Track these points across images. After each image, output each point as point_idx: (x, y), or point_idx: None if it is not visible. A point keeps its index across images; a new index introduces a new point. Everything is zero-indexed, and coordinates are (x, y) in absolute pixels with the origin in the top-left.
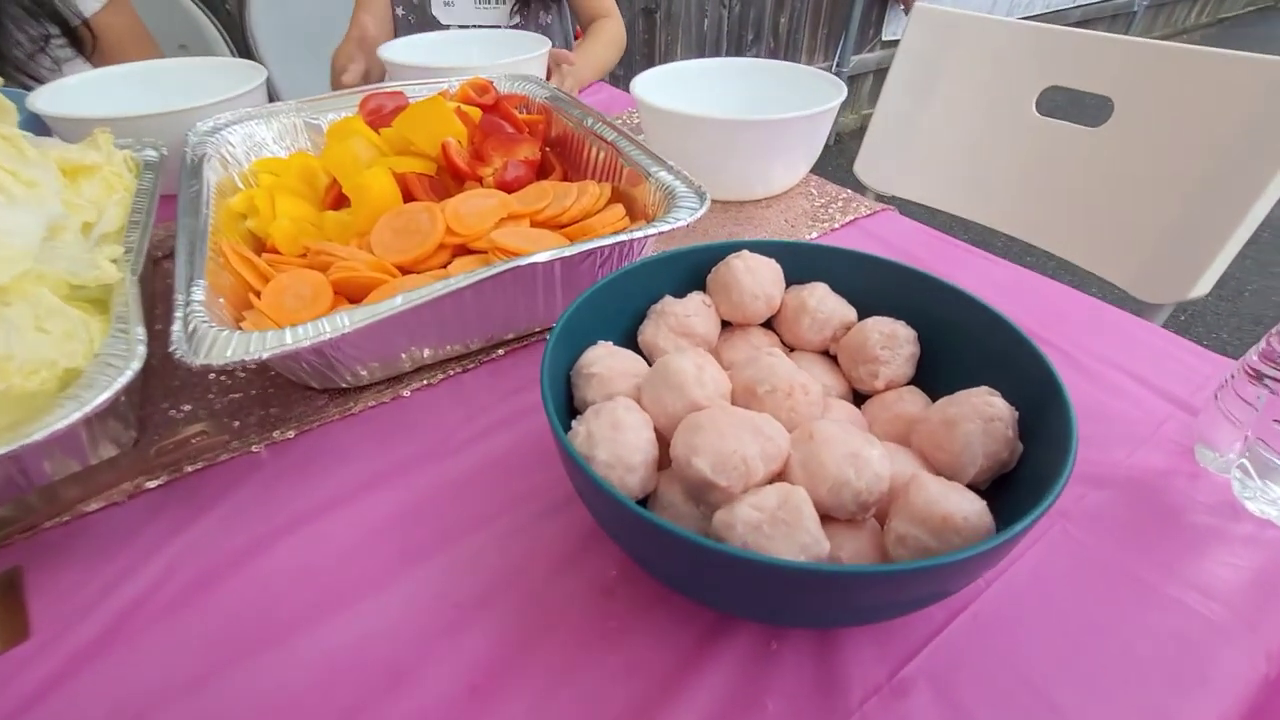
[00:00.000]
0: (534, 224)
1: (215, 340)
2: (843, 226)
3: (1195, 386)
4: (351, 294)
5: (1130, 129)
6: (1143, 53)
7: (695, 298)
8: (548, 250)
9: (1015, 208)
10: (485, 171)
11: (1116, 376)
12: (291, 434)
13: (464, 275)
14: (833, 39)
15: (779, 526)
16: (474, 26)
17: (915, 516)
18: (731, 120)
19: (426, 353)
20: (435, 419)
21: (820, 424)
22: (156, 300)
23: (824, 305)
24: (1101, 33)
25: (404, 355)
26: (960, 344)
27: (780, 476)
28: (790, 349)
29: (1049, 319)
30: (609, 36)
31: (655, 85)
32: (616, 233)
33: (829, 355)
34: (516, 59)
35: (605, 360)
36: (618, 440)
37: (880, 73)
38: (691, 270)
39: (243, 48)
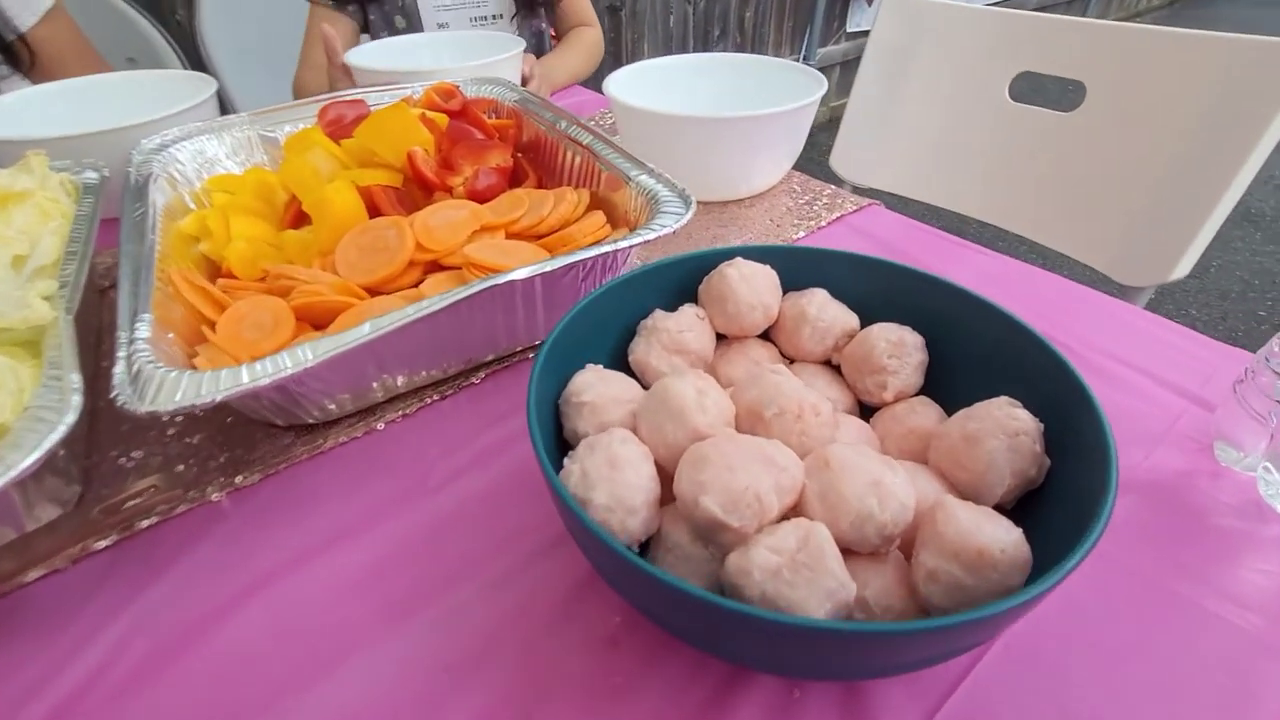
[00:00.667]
0: (509, 235)
1: (162, 383)
2: (830, 224)
3: (1204, 379)
4: (316, 320)
5: (1103, 112)
6: (1114, 36)
7: (688, 311)
8: (527, 265)
9: (992, 195)
10: (455, 181)
11: (1123, 371)
12: (256, 478)
13: (437, 297)
14: (798, 32)
15: (800, 571)
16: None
17: (946, 549)
18: (713, 118)
19: (400, 380)
20: (412, 454)
21: (836, 449)
22: (104, 335)
23: (825, 313)
24: (1072, 17)
25: (375, 385)
26: (971, 349)
27: (795, 509)
28: (790, 360)
29: (1048, 312)
30: (586, 43)
31: (628, 84)
32: (599, 243)
33: (831, 365)
34: (489, 60)
35: (596, 387)
36: (616, 480)
37: (846, 64)
38: (681, 281)
39: (195, 59)
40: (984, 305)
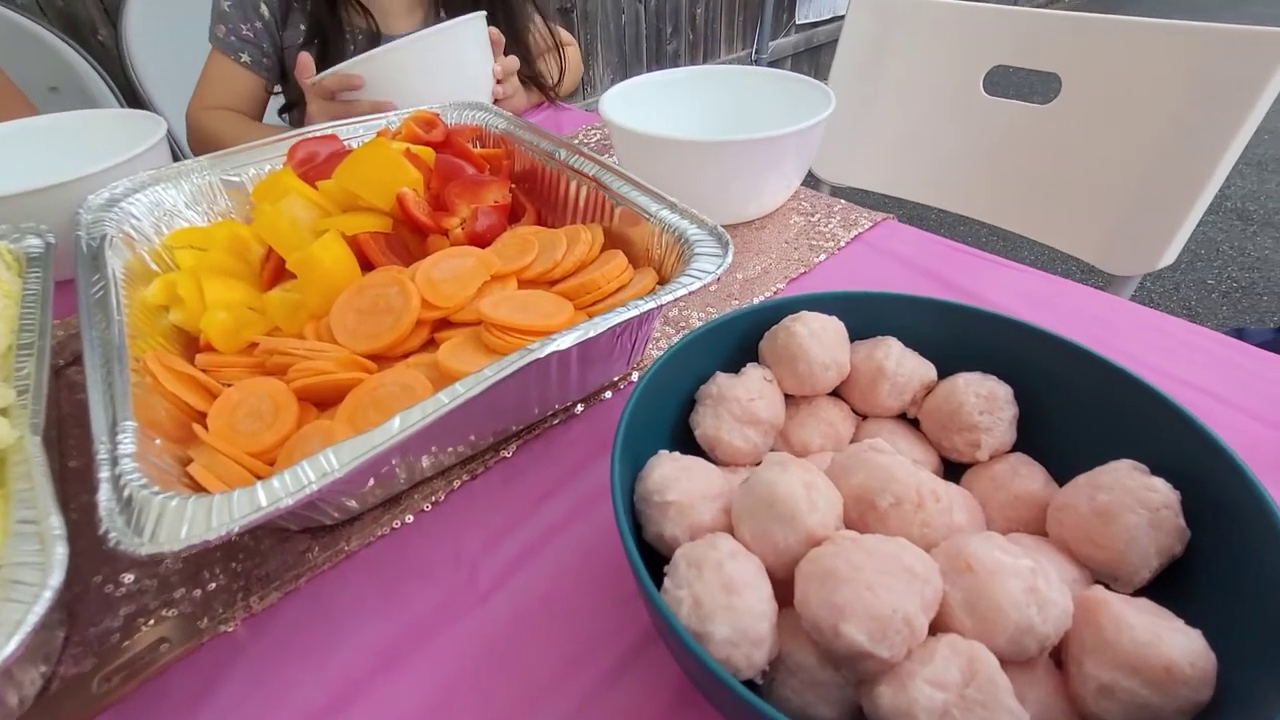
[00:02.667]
0: (522, 284)
1: (162, 513)
2: (848, 244)
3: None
4: (320, 398)
5: (1080, 104)
6: (1086, 27)
7: (754, 375)
8: (566, 331)
9: (972, 190)
10: (451, 223)
11: (1205, 401)
12: (274, 597)
13: (471, 379)
14: (749, 26)
15: (973, 711)
16: None
17: (1123, 663)
18: (721, 142)
19: (426, 463)
20: (450, 552)
21: (976, 549)
22: (65, 425)
23: (902, 367)
24: (1042, 10)
25: (399, 472)
26: (1065, 399)
27: (937, 623)
28: (863, 416)
29: (1102, 334)
30: (570, 62)
31: (623, 102)
32: (639, 297)
33: (907, 419)
34: (448, 26)
35: (679, 482)
36: (736, 607)
37: (798, 56)
38: (740, 337)
39: (124, 85)
40: (1084, 354)
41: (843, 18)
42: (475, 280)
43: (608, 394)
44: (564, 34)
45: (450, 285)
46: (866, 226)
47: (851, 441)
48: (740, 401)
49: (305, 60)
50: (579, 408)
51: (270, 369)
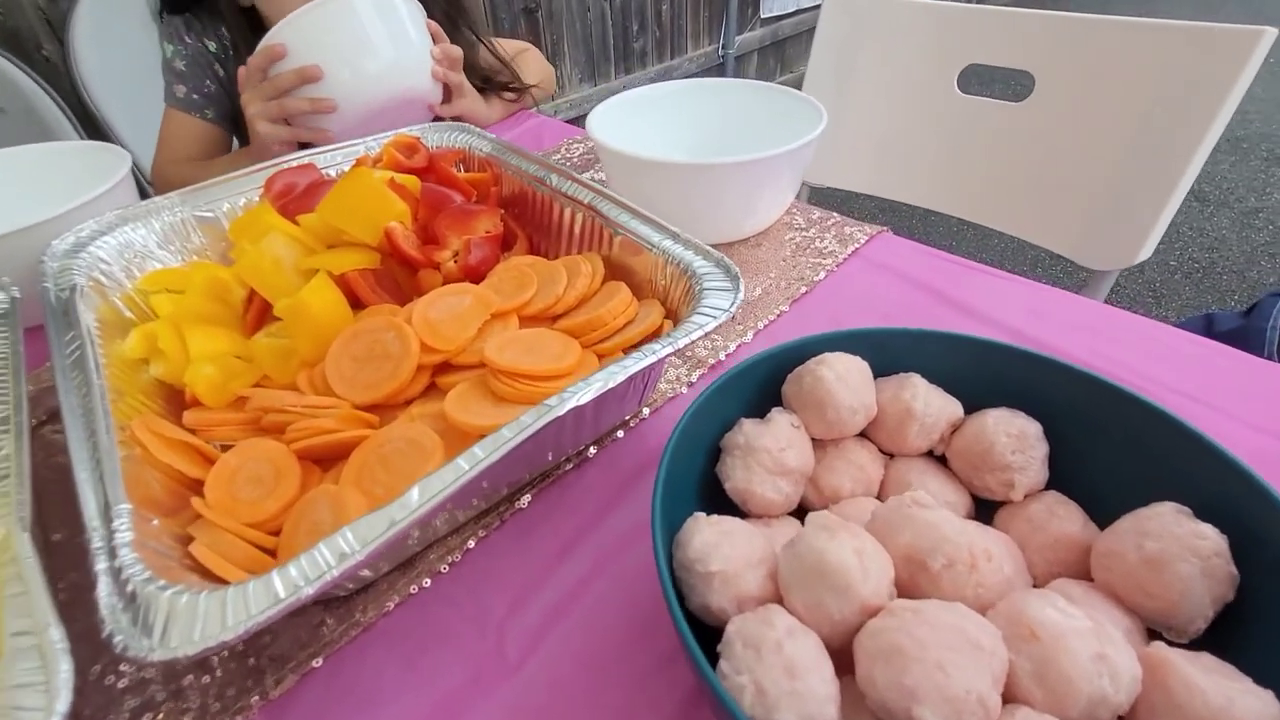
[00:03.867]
0: (523, 321)
1: (171, 611)
2: (847, 260)
3: None
4: (319, 455)
5: (1054, 101)
6: (1058, 26)
7: (782, 422)
8: (584, 382)
9: (950, 187)
10: (442, 256)
11: (1215, 418)
12: (290, 680)
13: (492, 445)
14: (715, 21)
15: None
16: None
17: None
18: (715, 164)
19: (440, 522)
20: (474, 616)
21: (1033, 609)
22: (43, 492)
23: (930, 406)
24: (1015, 9)
25: (413, 535)
26: (1093, 436)
27: (1005, 693)
28: (889, 455)
29: (1105, 348)
30: (535, 65)
31: (610, 121)
32: (655, 340)
33: (933, 456)
34: None
35: (721, 549)
36: (801, 693)
37: (764, 50)
38: (762, 380)
39: (75, 104)
40: (1115, 391)
41: (808, 10)
42: (475, 320)
43: (619, 433)
44: (515, 43)
45: (449, 326)
46: (863, 241)
47: (881, 483)
48: (770, 452)
49: (243, 73)
50: (591, 450)
51: (266, 427)
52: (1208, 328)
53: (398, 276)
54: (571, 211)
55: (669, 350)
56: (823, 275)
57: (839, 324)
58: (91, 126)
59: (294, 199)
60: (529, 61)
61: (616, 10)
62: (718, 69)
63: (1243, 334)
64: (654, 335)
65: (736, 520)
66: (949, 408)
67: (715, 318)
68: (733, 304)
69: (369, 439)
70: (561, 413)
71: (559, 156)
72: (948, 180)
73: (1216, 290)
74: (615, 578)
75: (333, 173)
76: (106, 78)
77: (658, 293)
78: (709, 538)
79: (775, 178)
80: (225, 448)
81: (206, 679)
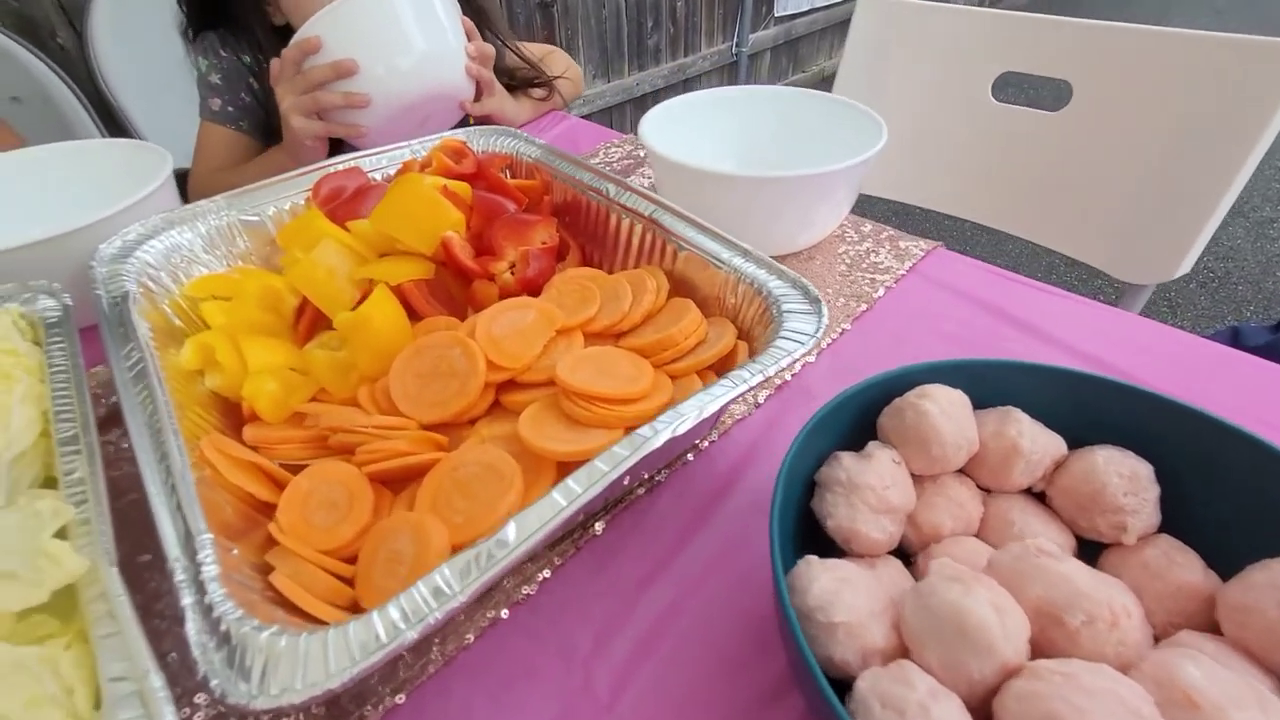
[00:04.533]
0: (588, 338)
1: (270, 655)
2: (906, 275)
3: None
4: (389, 479)
5: (1092, 111)
6: (1098, 35)
7: (883, 458)
8: (674, 411)
9: (981, 196)
10: (498, 267)
11: None
12: (373, 718)
13: (587, 478)
14: (729, 19)
15: None
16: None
17: None
18: (776, 178)
19: None
20: (556, 651)
21: (1185, 673)
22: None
23: (1036, 444)
24: (1052, 17)
25: None
26: (1208, 478)
27: None
28: (986, 491)
29: (1183, 377)
30: (558, 65)
31: (662, 127)
32: (731, 362)
33: (1032, 493)
34: None
35: (843, 597)
36: None
37: (776, 49)
38: (856, 411)
39: (91, 93)
40: (1232, 432)
41: (821, 10)
42: (540, 336)
43: (689, 456)
44: (541, 46)
45: (513, 343)
46: (920, 257)
47: (981, 521)
48: (875, 490)
49: (276, 65)
50: (663, 473)
51: (334, 447)
52: (1234, 340)
53: (450, 287)
54: (630, 223)
55: (759, 379)
56: (881, 292)
57: (901, 344)
58: (107, 116)
59: (342, 203)
60: (555, 63)
61: (631, 6)
62: (731, 67)
63: (1273, 348)
64: (729, 358)
65: (849, 564)
66: (1053, 445)
67: (802, 343)
68: (818, 329)
69: (441, 462)
70: (659, 445)
71: (597, 161)
72: (977, 187)
73: (1232, 300)
74: (701, 614)
75: (378, 176)
76: (124, 67)
77: (726, 311)
78: (827, 585)
79: (835, 192)
80: (286, 466)
81: (289, 715)
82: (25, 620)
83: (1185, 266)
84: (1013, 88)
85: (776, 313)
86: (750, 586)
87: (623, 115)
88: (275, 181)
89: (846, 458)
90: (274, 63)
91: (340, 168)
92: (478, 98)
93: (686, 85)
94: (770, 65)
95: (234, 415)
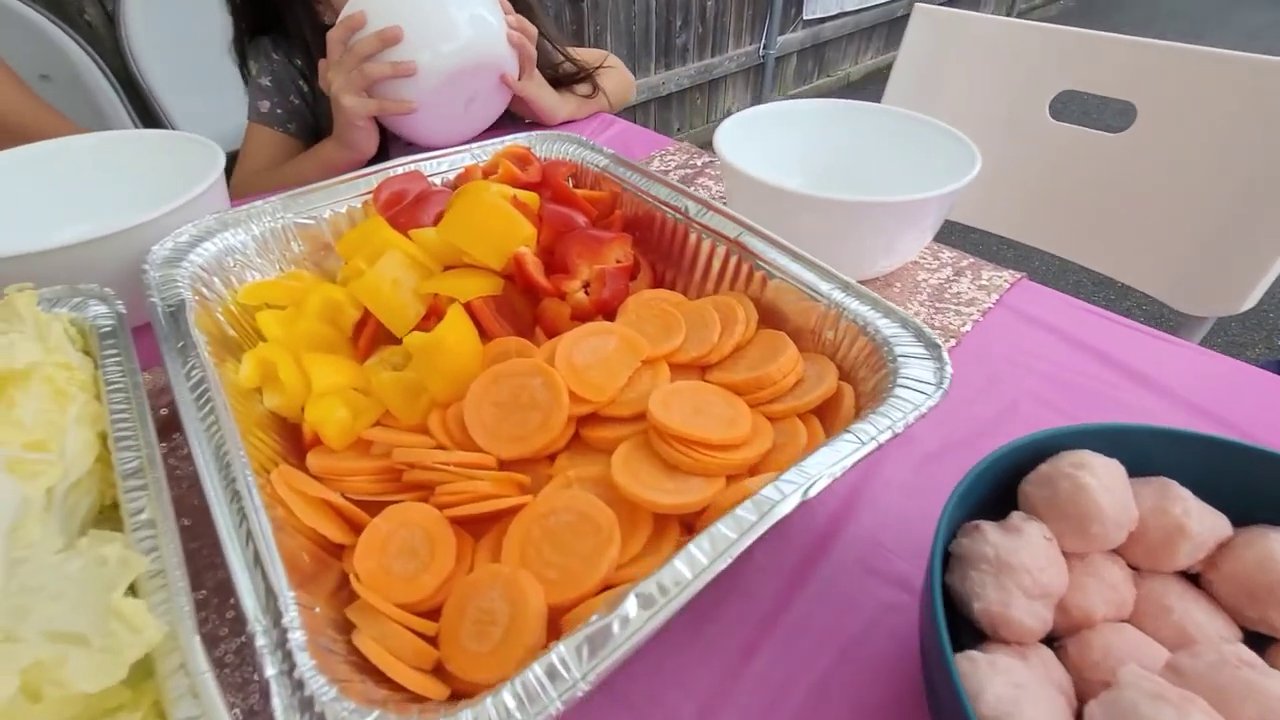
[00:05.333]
0: (675, 369)
1: None
2: (992, 309)
3: None
4: (466, 520)
5: (1156, 135)
6: (1163, 55)
7: (1034, 534)
8: (797, 470)
9: (1035, 218)
10: (571, 286)
11: None
12: None
13: (711, 547)
14: (758, 20)
15: None
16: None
17: None
18: (870, 203)
19: None
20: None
21: None
22: None
23: (1203, 524)
24: (1117, 35)
25: None
26: None
27: None
28: (1134, 568)
29: None
30: (613, 75)
31: (736, 139)
32: (860, 419)
33: (1187, 575)
34: None
35: (1022, 708)
36: None
37: (804, 52)
38: (993, 476)
39: (120, 70)
40: None
41: (850, 14)
42: (624, 367)
43: None
44: (596, 52)
45: (597, 373)
46: (1006, 288)
47: (1135, 604)
48: (1030, 572)
49: (323, 63)
50: None
51: (408, 484)
52: None
53: (515, 304)
54: (711, 244)
55: (889, 435)
56: (969, 327)
57: (996, 385)
58: (136, 97)
59: (403, 209)
60: (608, 69)
61: (661, 5)
62: (757, 70)
63: None
64: (833, 401)
65: (1012, 660)
66: (1218, 525)
67: (926, 394)
68: (942, 378)
69: (528, 508)
70: (788, 511)
71: (654, 168)
72: (1032, 210)
73: (1263, 328)
74: (817, 692)
75: (438, 181)
76: (155, 48)
77: (823, 348)
78: (1002, 691)
79: (924, 219)
80: (355, 500)
81: None
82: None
83: (1251, 300)
84: (1072, 107)
85: (889, 357)
86: (873, 664)
87: (647, 114)
88: (332, 183)
89: (990, 531)
90: (322, 62)
91: (400, 171)
92: (520, 75)
93: (712, 86)
94: (796, 69)
95: (292, 436)
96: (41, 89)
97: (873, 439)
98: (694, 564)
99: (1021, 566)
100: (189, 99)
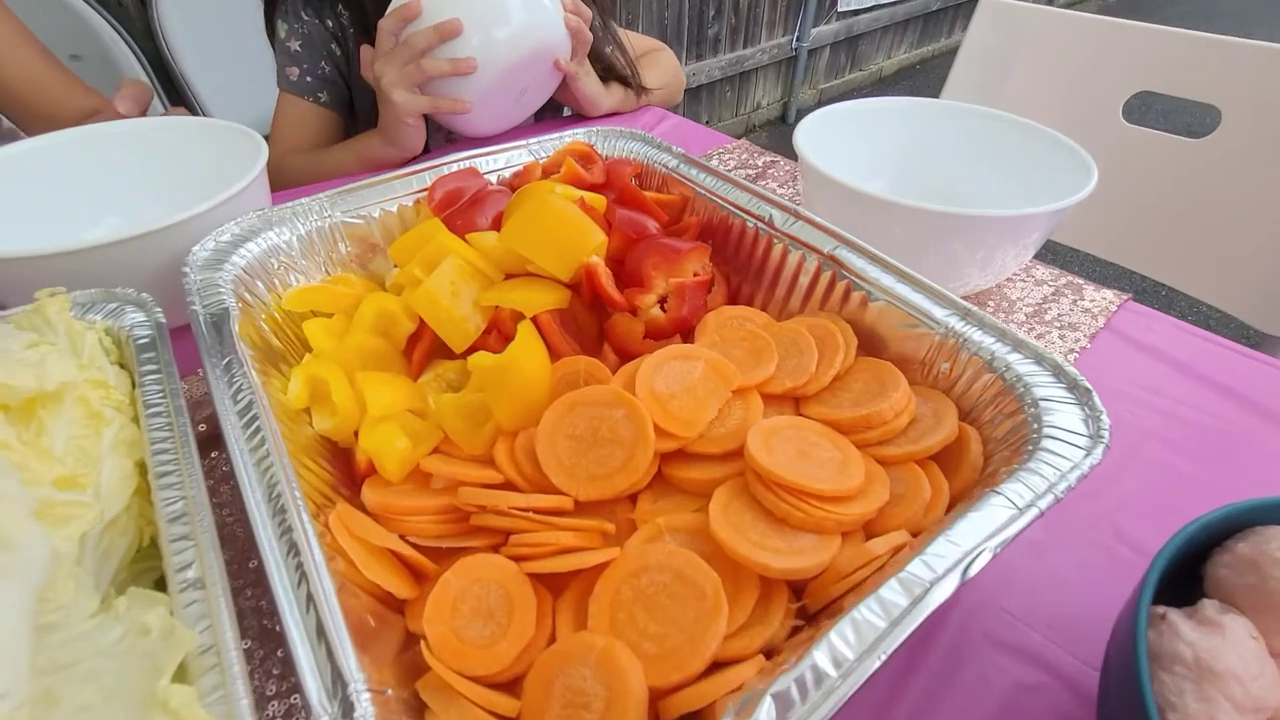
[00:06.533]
0: (766, 401)
1: None
2: (1099, 334)
3: None
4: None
5: (1243, 141)
6: (1255, 56)
7: (1238, 632)
8: (945, 539)
9: (1102, 227)
10: (645, 302)
11: None
12: None
13: (854, 636)
14: (792, 11)
15: None
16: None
17: None
18: (976, 215)
19: None
20: None
21: None
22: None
23: None
24: (1202, 33)
25: None
26: None
27: None
28: None
29: None
30: (666, 66)
31: (817, 137)
32: (1007, 478)
33: None
34: None
35: None
36: None
37: (836, 45)
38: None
39: (151, 52)
40: None
41: (885, 7)
42: (714, 397)
43: None
44: (649, 41)
45: (683, 404)
46: (1113, 310)
47: None
48: (1240, 682)
49: (367, 52)
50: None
51: (476, 529)
52: None
53: (579, 317)
54: (801, 258)
55: (1051, 501)
56: (1074, 357)
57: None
58: (167, 80)
59: (459, 210)
60: (660, 62)
61: None
62: (789, 62)
63: None
64: (957, 448)
65: None
66: None
67: (1082, 448)
68: (1099, 430)
69: (615, 565)
70: (947, 595)
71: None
72: (1099, 219)
73: None
74: None
75: (493, 179)
76: (187, 30)
77: (935, 381)
78: None
79: (1029, 236)
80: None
81: None
82: None
83: None
84: (1148, 110)
85: (1027, 400)
86: None
87: (675, 106)
88: (382, 180)
89: (1181, 623)
90: (364, 50)
91: (455, 168)
92: (571, 58)
93: (743, 79)
94: (829, 62)
95: (343, 462)
96: (72, 69)
97: (1032, 505)
98: (837, 658)
99: (1229, 674)
100: (220, 81)
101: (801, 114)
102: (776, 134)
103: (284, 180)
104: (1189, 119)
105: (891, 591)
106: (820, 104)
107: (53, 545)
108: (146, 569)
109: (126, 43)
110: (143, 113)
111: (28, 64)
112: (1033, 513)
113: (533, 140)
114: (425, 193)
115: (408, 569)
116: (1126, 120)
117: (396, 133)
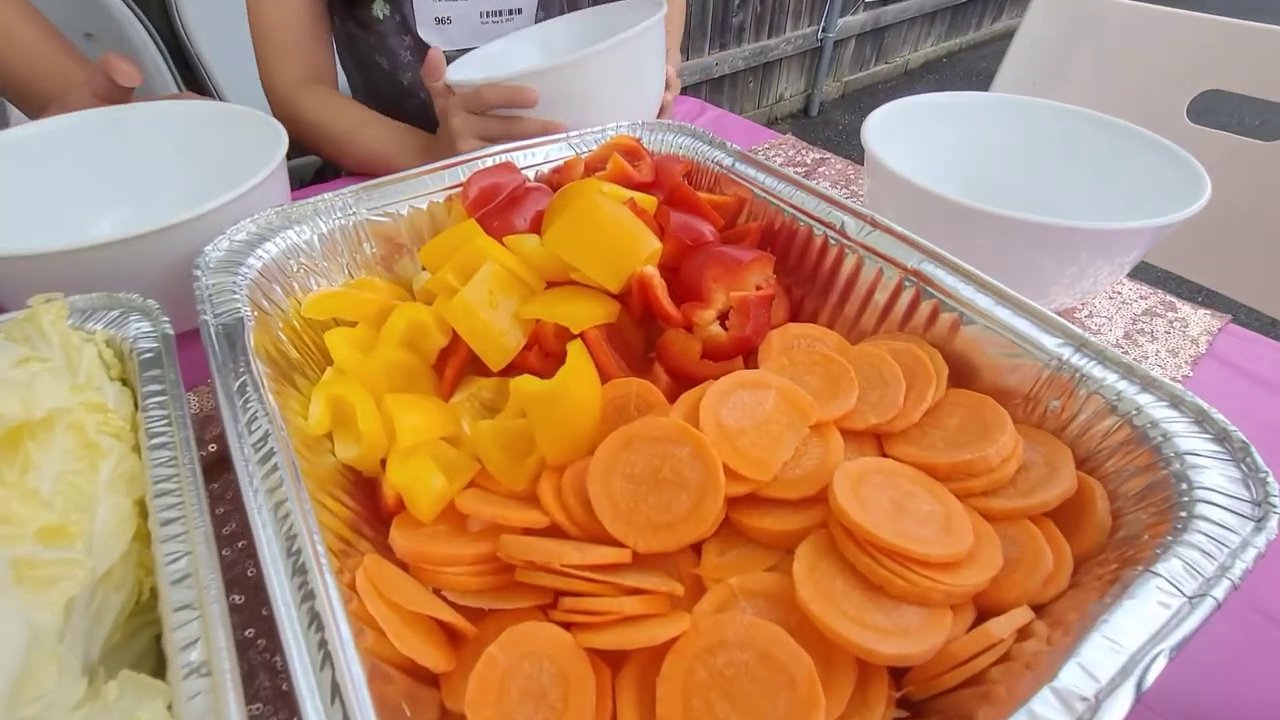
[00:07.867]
0: (847, 437)
1: None
2: (1202, 359)
3: None
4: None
5: None
6: None
7: None
8: (1109, 640)
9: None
10: (704, 318)
11: None
12: None
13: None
14: (818, 1)
15: None
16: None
17: None
18: (1074, 228)
19: None
20: None
21: None
22: None
23: None
24: (1276, 27)
25: None
26: None
27: None
28: None
29: None
30: (674, 19)
31: (883, 134)
32: (1160, 551)
33: None
34: (631, 34)
35: None
36: None
37: (862, 36)
38: None
39: (165, 30)
40: None
41: None
42: (790, 434)
43: None
44: None
45: (754, 442)
46: (1214, 333)
47: None
48: None
49: (436, 58)
50: None
51: (523, 586)
52: None
53: (626, 332)
54: (877, 272)
55: (1228, 588)
56: (1182, 377)
57: None
58: (182, 62)
59: (494, 210)
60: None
61: None
62: (813, 53)
63: None
64: (1077, 503)
65: None
66: None
67: (1250, 518)
68: (1267, 495)
69: (686, 641)
70: (1122, 715)
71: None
72: None
73: None
74: None
75: (531, 175)
76: (202, 8)
77: (1041, 420)
78: None
79: (1126, 252)
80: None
81: None
82: None
83: None
84: (1215, 110)
85: (1167, 452)
86: None
87: (697, 96)
88: (411, 175)
89: None
90: (434, 56)
91: (490, 162)
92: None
93: (766, 69)
94: (854, 54)
95: (367, 494)
96: (84, 48)
97: (1205, 594)
98: None
99: None
100: (239, 65)
101: (825, 106)
102: (799, 126)
103: (297, 127)
104: (1253, 120)
105: (1047, 707)
106: (844, 97)
107: (31, 622)
108: (145, 623)
109: (141, 22)
110: (135, 81)
111: (28, 40)
112: (1209, 604)
113: (573, 134)
114: (457, 189)
115: (444, 631)
116: (1191, 121)
117: (447, 150)
